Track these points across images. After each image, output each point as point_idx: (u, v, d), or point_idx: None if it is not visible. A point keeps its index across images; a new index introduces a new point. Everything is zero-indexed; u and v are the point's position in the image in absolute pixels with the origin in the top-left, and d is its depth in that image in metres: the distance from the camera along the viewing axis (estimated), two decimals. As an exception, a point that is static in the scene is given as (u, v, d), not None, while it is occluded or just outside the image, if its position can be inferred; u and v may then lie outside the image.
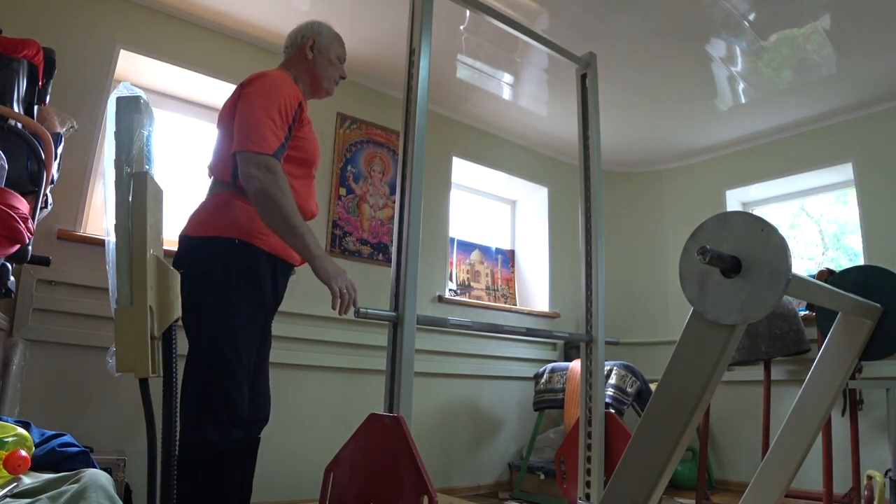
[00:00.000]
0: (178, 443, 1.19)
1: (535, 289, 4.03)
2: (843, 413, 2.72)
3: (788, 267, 0.84)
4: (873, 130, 3.31)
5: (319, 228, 2.98)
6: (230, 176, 1.64)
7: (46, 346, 2.17)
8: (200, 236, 1.61)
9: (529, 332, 2.10)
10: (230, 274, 1.56)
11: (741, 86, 3.19)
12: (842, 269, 1.63)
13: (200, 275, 1.53)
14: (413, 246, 1.58)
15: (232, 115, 1.65)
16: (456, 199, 3.68)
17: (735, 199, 3.98)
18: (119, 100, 1.09)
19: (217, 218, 1.61)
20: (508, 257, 4.16)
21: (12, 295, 1.74)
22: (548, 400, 3.27)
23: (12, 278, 1.48)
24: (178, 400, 1.29)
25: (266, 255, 1.63)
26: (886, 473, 2.04)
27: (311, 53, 1.83)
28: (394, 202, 3.21)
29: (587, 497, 1.95)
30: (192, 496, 1.44)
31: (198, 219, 1.65)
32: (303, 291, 2.80)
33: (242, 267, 1.57)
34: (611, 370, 3.11)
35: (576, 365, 3.21)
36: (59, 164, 1.82)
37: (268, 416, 1.78)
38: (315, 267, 1.55)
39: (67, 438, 1.31)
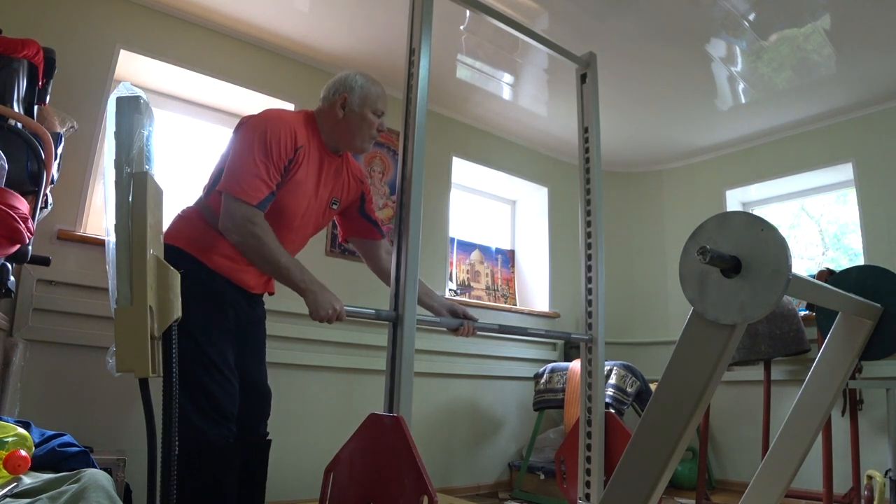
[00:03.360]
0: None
1: (535, 289, 4.03)
2: (843, 413, 2.72)
3: (788, 267, 0.84)
4: (873, 130, 3.31)
5: (319, 228, 2.97)
6: (205, 192, 1.70)
7: (46, 346, 2.17)
8: (164, 243, 1.65)
9: (528, 331, 2.13)
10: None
11: (741, 86, 3.19)
12: (842, 269, 1.62)
13: None
14: (413, 246, 1.59)
15: (233, 142, 1.68)
16: (456, 199, 3.68)
17: (735, 199, 3.98)
18: (119, 100, 1.09)
19: (174, 225, 1.68)
20: (508, 257, 4.16)
21: (12, 295, 1.74)
22: (548, 400, 3.27)
23: (12, 278, 1.48)
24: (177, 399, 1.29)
25: (216, 274, 1.63)
26: (886, 473, 2.04)
27: (342, 112, 1.75)
28: (394, 202, 3.21)
29: (587, 497, 1.95)
30: (189, 489, 1.45)
31: (169, 225, 1.70)
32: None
33: (190, 273, 1.55)
34: (611, 370, 3.11)
35: (576, 365, 3.21)
36: (59, 164, 1.82)
37: (269, 411, 1.81)
38: (305, 301, 1.55)
39: (67, 438, 1.31)
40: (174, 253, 1.60)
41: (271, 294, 1.87)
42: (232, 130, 1.72)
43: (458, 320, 1.86)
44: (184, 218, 1.69)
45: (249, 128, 1.63)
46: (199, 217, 1.67)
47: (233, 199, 1.54)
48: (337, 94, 1.76)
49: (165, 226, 1.69)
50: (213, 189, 1.66)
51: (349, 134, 1.77)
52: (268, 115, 1.68)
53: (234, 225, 1.54)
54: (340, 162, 1.85)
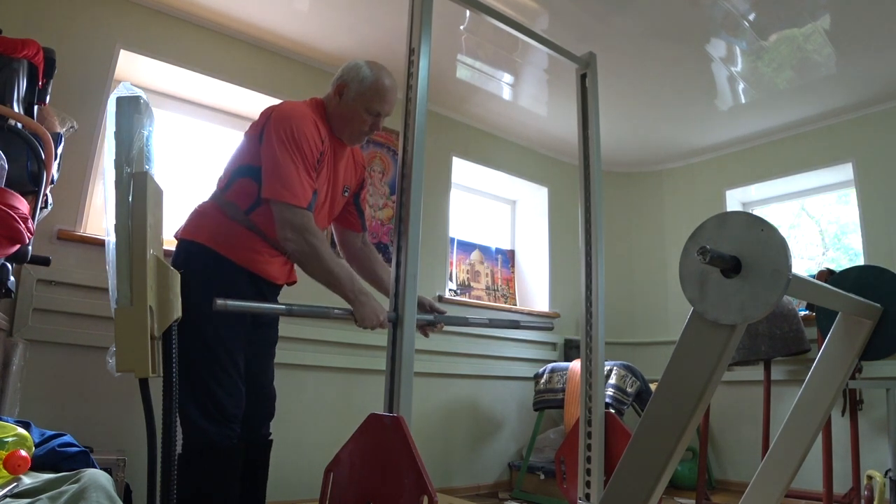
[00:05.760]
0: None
1: (535, 289, 4.03)
2: (843, 413, 2.72)
3: (788, 267, 0.84)
4: (873, 130, 3.31)
5: (319, 228, 2.98)
6: (222, 187, 1.71)
7: (46, 346, 2.17)
8: (179, 239, 1.67)
9: (520, 324, 2.08)
10: (197, 277, 1.56)
11: (741, 86, 3.19)
12: (842, 269, 1.62)
13: None
14: (413, 246, 1.58)
15: (251, 138, 1.68)
16: (456, 199, 3.68)
17: (735, 199, 3.98)
18: (119, 100, 1.09)
19: (193, 222, 1.69)
20: (508, 257, 4.16)
21: (12, 295, 1.73)
22: (548, 400, 3.27)
23: (12, 278, 1.48)
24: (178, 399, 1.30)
25: (235, 265, 1.64)
26: (886, 473, 2.04)
27: (338, 100, 1.75)
28: (394, 202, 3.21)
29: (587, 497, 1.95)
30: (192, 489, 1.45)
31: (184, 222, 1.71)
32: (301, 291, 2.81)
33: (211, 271, 1.57)
34: (611, 370, 3.11)
35: (576, 365, 3.21)
36: (59, 164, 1.82)
37: (273, 413, 1.81)
38: (353, 310, 1.57)
39: (67, 438, 1.31)
40: (197, 249, 1.61)
41: (293, 283, 1.86)
42: (235, 129, 1.72)
43: (428, 316, 1.79)
44: (202, 213, 1.69)
45: (277, 128, 1.61)
46: (218, 212, 1.67)
47: (285, 206, 1.55)
48: (340, 80, 1.76)
49: (180, 223, 1.71)
50: (230, 183, 1.67)
51: (341, 124, 1.76)
52: (290, 112, 1.66)
53: (294, 235, 1.55)
54: (348, 148, 1.85)
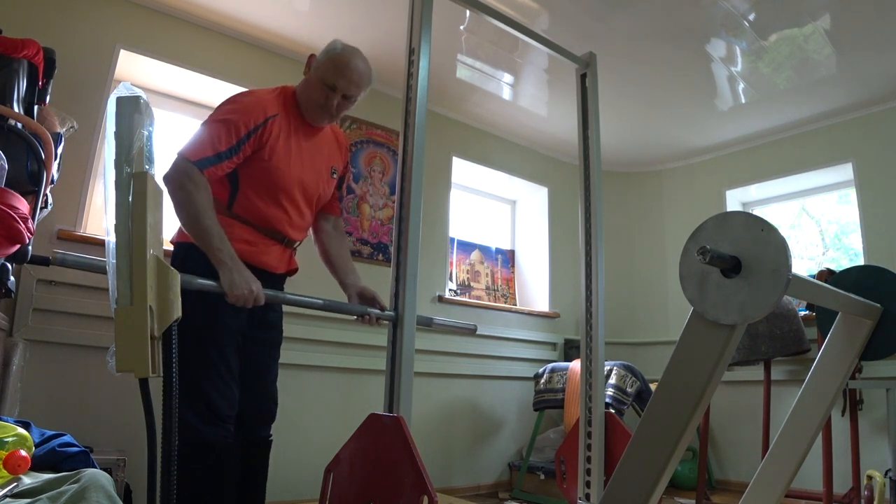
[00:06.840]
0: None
1: (535, 289, 4.03)
2: (843, 413, 2.72)
3: (788, 267, 0.84)
4: (873, 130, 3.31)
5: (319, 228, 2.97)
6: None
7: (46, 346, 2.17)
8: (175, 243, 1.68)
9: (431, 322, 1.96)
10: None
11: (741, 86, 3.19)
12: (842, 269, 1.62)
13: None
14: (413, 246, 1.59)
15: None
16: (456, 199, 3.68)
17: (735, 199, 3.98)
18: (119, 100, 1.09)
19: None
20: (508, 257, 4.16)
21: (12, 295, 1.74)
22: (548, 400, 3.27)
23: (12, 278, 1.48)
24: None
25: None
26: (886, 473, 2.04)
27: (307, 70, 1.73)
28: (394, 202, 3.21)
29: (587, 497, 1.95)
30: (188, 489, 1.45)
31: (178, 226, 1.68)
32: (306, 283, 2.80)
33: (207, 269, 1.51)
34: (611, 370, 3.11)
35: (576, 365, 3.21)
36: (59, 164, 1.82)
37: (273, 415, 1.79)
38: (220, 275, 1.46)
39: (67, 438, 1.31)
40: (193, 249, 1.57)
41: (294, 272, 1.81)
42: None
43: (361, 307, 1.71)
44: None
45: (221, 105, 1.65)
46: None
47: (178, 157, 1.55)
48: (313, 56, 1.74)
49: (169, 225, 1.70)
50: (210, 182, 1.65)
51: (303, 97, 1.72)
52: (241, 92, 1.70)
53: (171, 175, 1.53)
54: (328, 129, 1.83)
